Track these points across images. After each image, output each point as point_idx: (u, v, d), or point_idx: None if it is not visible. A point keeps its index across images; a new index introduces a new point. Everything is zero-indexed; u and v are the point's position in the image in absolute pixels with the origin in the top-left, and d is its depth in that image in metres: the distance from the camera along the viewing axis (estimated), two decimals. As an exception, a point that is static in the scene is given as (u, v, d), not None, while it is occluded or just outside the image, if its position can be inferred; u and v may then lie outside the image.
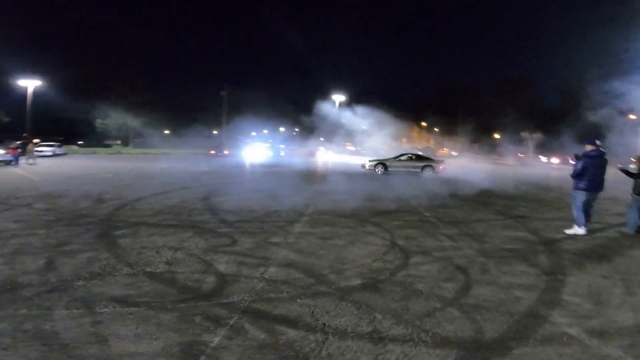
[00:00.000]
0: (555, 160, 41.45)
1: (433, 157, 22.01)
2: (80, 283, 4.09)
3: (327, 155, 36.53)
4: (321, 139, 42.22)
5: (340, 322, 3.34)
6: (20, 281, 4.10)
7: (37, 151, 33.04)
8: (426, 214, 8.94)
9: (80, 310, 3.42)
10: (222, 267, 4.79)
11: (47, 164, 24.35)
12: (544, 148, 47.53)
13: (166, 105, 63.42)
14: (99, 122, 53.44)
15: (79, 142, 57.56)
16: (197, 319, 3.32)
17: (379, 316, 3.47)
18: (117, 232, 6.41)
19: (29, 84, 37.75)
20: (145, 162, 28.04)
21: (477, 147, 66.39)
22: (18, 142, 27.80)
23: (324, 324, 3.28)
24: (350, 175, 18.71)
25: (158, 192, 11.46)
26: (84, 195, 10.44)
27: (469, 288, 4.28)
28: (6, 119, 43.33)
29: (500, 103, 56.97)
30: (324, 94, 48.06)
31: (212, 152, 37.25)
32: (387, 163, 20.64)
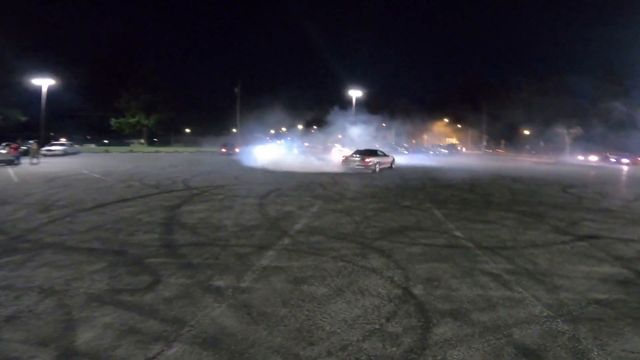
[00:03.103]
0: (593, 157, 37.32)
1: (382, 153, 21.98)
2: None
3: (342, 153, 34.17)
4: (339, 136, 39.93)
5: None
6: None
7: (48, 150, 32.72)
8: (457, 232, 6.52)
9: None
10: (87, 336, 2.69)
11: (50, 163, 23.31)
12: (581, 144, 43.28)
13: (184, 104, 62.90)
14: (113, 121, 53.15)
15: (104, 141, 57.85)
16: None
17: None
18: (3, 260, 4.45)
19: (43, 83, 37.36)
20: (149, 161, 26.67)
21: (505, 144, 62.24)
22: (31, 141, 27.23)
23: None
24: (362, 176, 16.33)
25: (128, 197, 9.59)
26: (37, 202, 8.76)
27: None
28: (23, 118, 43.39)
29: (531, 97, 52.80)
30: (342, 91, 45.83)
31: (223, 150, 35.63)
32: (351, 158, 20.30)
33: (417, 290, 4.05)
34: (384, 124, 42.99)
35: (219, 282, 4.04)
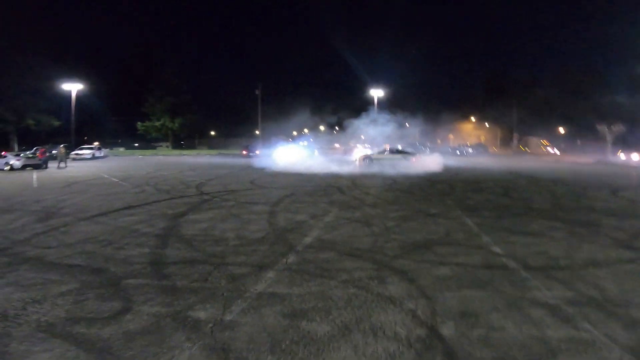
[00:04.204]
0: (636, 156, 34.16)
1: (409, 151, 23.90)
2: None
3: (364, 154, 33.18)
4: (362, 136, 38.91)
5: None
6: None
7: (76, 154, 33.74)
8: (495, 248, 5.52)
9: None
10: None
11: (76, 167, 23.81)
12: (622, 142, 40.00)
13: (207, 107, 63.79)
14: (140, 125, 54.50)
15: (134, 144, 59.60)
16: None
17: None
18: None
19: (73, 88, 38.63)
20: (171, 164, 26.73)
21: (537, 143, 58.82)
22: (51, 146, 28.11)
23: None
24: (383, 179, 15.34)
25: (136, 203, 9.16)
26: (42, 209, 8.50)
27: None
28: (56, 123, 45.11)
29: (564, 94, 49.63)
30: (364, 91, 44.78)
31: (244, 152, 35.50)
32: (372, 156, 23.13)
33: (447, 329, 3.17)
34: (407, 124, 41.56)
35: (200, 313, 3.32)
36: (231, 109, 66.03)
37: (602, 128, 43.40)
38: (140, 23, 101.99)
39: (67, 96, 39.11)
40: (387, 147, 25.03)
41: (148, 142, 59.61)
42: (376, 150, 24.08)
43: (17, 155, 23.38)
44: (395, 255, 5.20)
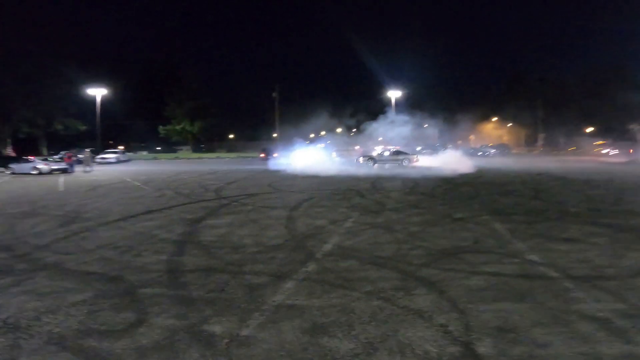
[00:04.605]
0: None
1: (408, 152, 25.41)
2: None
3: (368, 155, 32.80)
4: (379, 139, 38.40)
5: None
6: None
7: (102, 158, 34.73)
8: (531, 256, 5.12)
9: None
10: None
11: (101, 171, 24.42)
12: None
13: (226, 110, 64.60)
14: (161, 129, 55.74)
15: (157, 148, 61.09)
16: None
17: None
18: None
19: (97, 93, 39.81)
20: (191, 168, 27.08)
21: (563, 142, 56.44)
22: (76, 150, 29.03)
23: None
24: (404, 182, 14.93)
25: (156, 208, 9.17)
26: (65, 214, 8.63)
27: None
28: (83, 127, 46.63)
29: (591, 94, 47.55)
30: (382, 92, 44.27)
31: (262, 155, 35.65)
32: (376, 158, 24.83)
33: (484, 346, 2.87)
34: (426, 125, 40.69)
35: (215, 327, 3.13)
36: (249, 113, 66.79)
37: (634, 127, 41.28)
38: (161, 28, 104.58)
39: (92, 101, 40.34)
40: (391, 148, 26.63)
41: (170, 145, 60.87)
42: (379, 151, 26.02)
43: (45, 159, 24.23)
44: (421, 263, 4.89)
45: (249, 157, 39.91)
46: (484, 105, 62.77)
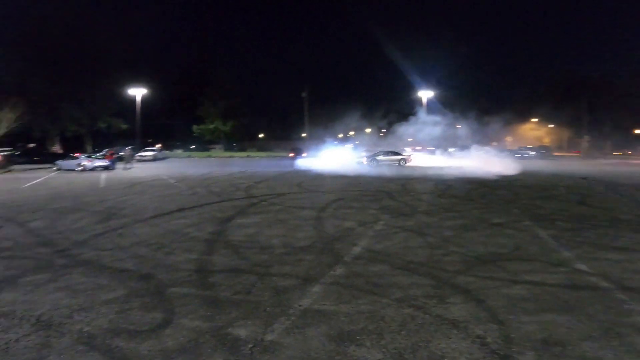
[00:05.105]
0: None
1: (403, 152, 28.00)
2: None
3: (413, 157, 32.06)
4: (409, 139, 37.54)
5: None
6: None
7: (141, 156, 36.38)
8: (579, 264, 4.72)
9: None
10: None
11: (140, 168, 25.53)
12: None
13: (256, 110, 65.86)
14: (195, 128, 57.61)
15: (191, 147, 63.33)
16: None
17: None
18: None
19: (137, 93, 41.69)
20: (222, 166, 27.70)
21: (610, 145, 52.56)
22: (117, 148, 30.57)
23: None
24: (437, 184, 14.44)
25: (188, 205, 9.39)
26: (105, 210, 9.00)
27: None
28: (124, 126, 49.02)
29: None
30: (413, 93, 43.26)
31: (291, 154, 35.93)
32: (377, 158, 26.65)
33: (527, 363, 2.62)
34: (458, 125, 39.29)
35: (240, 331, 3.08)
36: (279, 112, 67.62)
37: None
38: (195, 29, 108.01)
39: (132, 100, 42.29)
40: (389, 149, 29.01)
41: (203, 144, 62.80)
42: (378, 152, 27.94)
43: (89, 157, 25.63)
44: (456, 270, 4.63)
45: (278, 156, 40.33)
46: (522, 105, 59.83)
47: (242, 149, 60.20)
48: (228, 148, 60.17)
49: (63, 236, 6.29)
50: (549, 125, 59.66)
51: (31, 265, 4.68)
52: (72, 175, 20.47)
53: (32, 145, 39.85)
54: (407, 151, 29.99)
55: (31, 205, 9.69)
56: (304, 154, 34.27)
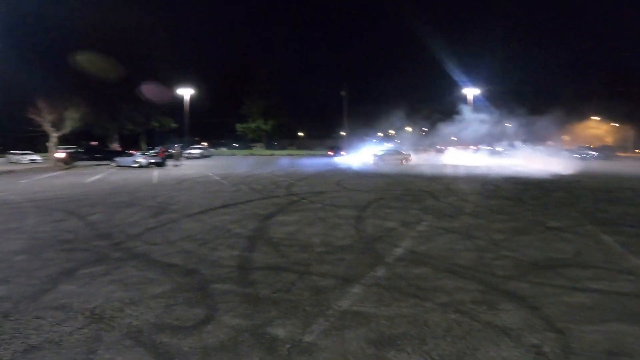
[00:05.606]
0: None
1: (404, 151, 29.25)
2: None
3: (457, 156, 30.74)
4: (453, 138, 36.07)
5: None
6: None
7: (189, 153, 38.30)
8: (646, 279, 4.21)
9: None
10: None
11: (188, 165, 26.85)
12: None
13: (296, 109, 66.71)
14: (238, 127, 59.56)
15: (234, 145, 65.77)
16: None
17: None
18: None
19: (185, 93, 43.90)
20: (263, 164, 28.33)
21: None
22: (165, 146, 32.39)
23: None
24: (484, 184, 13.69)
25: (231, 202, 9.69)
26: (157, 205, 9.49)
27: None
28: (174, 125, 51.89)
29: None
30: (458, 90, 41.44)
31: (330, 153, 35.96)
32: (381, 156, 27.63)
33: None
34: (508, 124, 37.01)
35: (278, 331, 3.07)
36: (319, 111, 67.97)
37: None
38: (237, 30, 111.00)
39: (181, 100, 44.58)
40: (391, 148, 31.37)
41: (245, 142, 64.88)
42: (383, 150, 29.42)
43: (143, 154, 27.40)
44: (508, 275, 4.32)
45: (317, 154, 40.56)
46: (578, 102, 55.06)
47: (282, 148, 61.36)
48: (269, 146, 61.60)
49: (119, 230, 6.72)
50: (612, 124, 54.43)
51: (89, 258, 5.03)
52: (128, 171, 21.96)
53: (94, 143, 43.48)
54: (408, 150, 31.17)
55: (91, 199, 10.50)
56: (342, 153, 34.16)
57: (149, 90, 43.95)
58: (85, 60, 38.65)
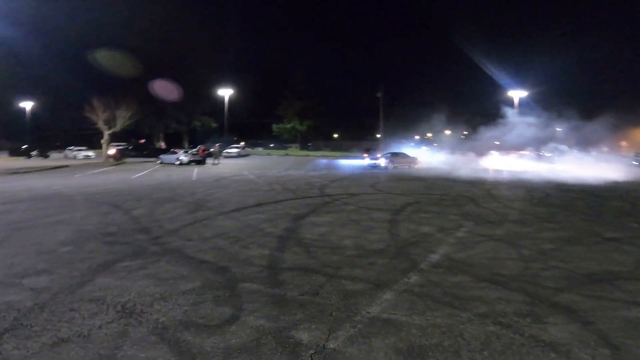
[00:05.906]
0: None
1: (411, 155, 28.17)
2: None
3: (498, 161, 29.17)
4: (496, 142, 34.27)
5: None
6: None
7: (227, 152, 39.49)
8: None
9: None
10: None
11: (225, 164, 27.69)
12: None
13: (332, 110, 66.68)
14: (274, 127, 60.48)
15: (270, 145, 67.09)
16: None
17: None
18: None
19: (225, 93, 45.27)
20: (298, 165, 28.51)
21: None
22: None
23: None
24: (530, 191, 12.82)
25: (265, 201, 9.79)
26: (194, 201, 9.80)
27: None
28: (214, 125, 53.79)
29: None
30: (502, 90, 39.39)
31: (365, 154, 35.47)
32: (392, 159, 26.36)
33: None
34: (557, 128, 34.52)
35: (303, 335, 2.97)
36: (354, 113, 67.50)
37: None
38: (275, 31, 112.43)
39: (221, 101, 46.04)
40: (397, 151, 29.44)
41: (281, 143, 65.84)
42: (391, 154, 28.01)
43: (186, 152, 28.64)
44: (557, 287, 3.95)
45: (352, 156, 40.25)
46: (637, 107, 50.18)
47: (317, 148, 61.54)
48: (304, 147, 62.05)
49: (158, 224, 6.98)
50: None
51: (128, 251, 5.23)
52: (171, 168, 23.00)
53: (142, 140, 46.07)
54: (418, 152, 30.82)
55: (137, 194, 11.06)
56: (378, 155, 33.61)
57: (189, 90, 45.88)
58: (133, 61, 41.18)
